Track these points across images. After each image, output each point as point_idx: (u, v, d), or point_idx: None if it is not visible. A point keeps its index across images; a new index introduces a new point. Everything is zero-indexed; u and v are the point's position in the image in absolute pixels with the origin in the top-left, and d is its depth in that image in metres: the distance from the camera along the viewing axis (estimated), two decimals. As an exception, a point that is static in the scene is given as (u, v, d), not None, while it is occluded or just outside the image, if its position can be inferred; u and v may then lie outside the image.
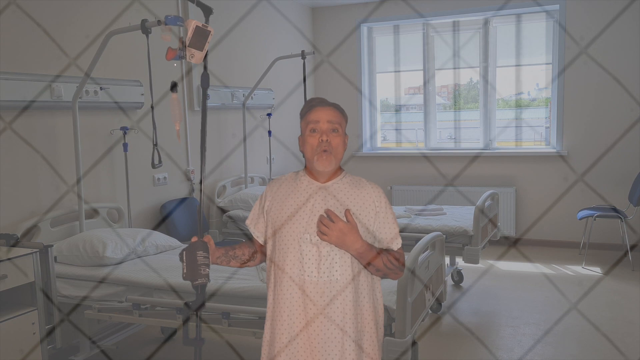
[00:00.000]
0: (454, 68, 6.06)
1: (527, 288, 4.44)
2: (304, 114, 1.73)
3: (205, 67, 1.74)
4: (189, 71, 4.48)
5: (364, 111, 6.42)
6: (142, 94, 3.87)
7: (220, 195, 4.83)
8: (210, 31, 1.72)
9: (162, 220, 4.10)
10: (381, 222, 1.70)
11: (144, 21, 2.96)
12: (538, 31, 5.67)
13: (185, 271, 1.63)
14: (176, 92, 2.19)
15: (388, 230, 1.71)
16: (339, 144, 1.69)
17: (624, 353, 3.20)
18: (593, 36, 5.24)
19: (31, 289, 2.59)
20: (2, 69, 3.00)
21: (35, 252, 2.58)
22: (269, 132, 5.33)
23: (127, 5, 3.67)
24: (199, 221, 1.77)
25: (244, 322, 2.61)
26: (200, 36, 1.70)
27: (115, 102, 3.64)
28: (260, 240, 1.79)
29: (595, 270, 4.85)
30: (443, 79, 6.21)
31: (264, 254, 1.81)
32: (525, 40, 5.72)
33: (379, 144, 6.59)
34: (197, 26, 1.69)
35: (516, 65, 5.77)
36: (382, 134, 6.60)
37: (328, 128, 1.68)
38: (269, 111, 5.36)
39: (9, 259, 2.46)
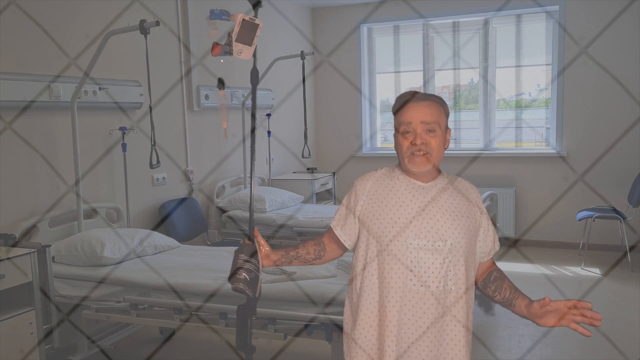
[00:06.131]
0: (454, 69, 6.06)
1: (526, 288, 4.40)
2: (396, 111, 1.56)
3: (254, 62, 1.63)
4: (189, 71, 4.48)
5: (364, 111, 6.42)
6: (141, 94, 3.87)
7: (220, 195, 4.84)
8: (258, 24, 1.61)
9: (162, 221, 4.10)
10: (485, 225, 1.62)
11: (142, 21, 2.96)
12: (538, 32, 5.67)
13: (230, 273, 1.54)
14: (223, 88, 2.11)
15: (491, 232, 1.63)
16: (438, 144, 1.52)
17: (624, 353, 3.20)
18: (593, 36, 5.24)
19: (29, 289, 2.59)
20: (2, 69, 3.00)
21: (33, 252, 2.58)
22: (269, 132, 5.33)
23: (127, 6, 3.67)
24: (250, 222, 1.63)
25: (241, 322, 2.61)
26: (248, 30, 1.59)
27: (115, 102, 3.64)
28: (348, 244, 1.64)
29: (595, 272, 4.85)
30: (444, 79, 6.21)
31: (339, 254, 1.71)
32: (525, 40, 5.71)
33: (379, 144, 6.59)
34: (243, 20, 1.58)
35: (516, 66, 5.77)
36: (382, 135, 6.60)
37: (423, 129, 1.51)
38: (268, 111, 5.36)
39: (7, 258, 2.46)
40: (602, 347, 3.33)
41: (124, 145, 3.69)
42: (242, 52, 1.59)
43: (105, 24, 3.45)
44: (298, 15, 6.16)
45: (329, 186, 5.80)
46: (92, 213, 3.55)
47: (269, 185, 5.43)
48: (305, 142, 5.25)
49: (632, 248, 5.08)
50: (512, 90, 5.88)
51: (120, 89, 3.71)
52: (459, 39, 5.95)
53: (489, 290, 1.68)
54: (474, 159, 5.86)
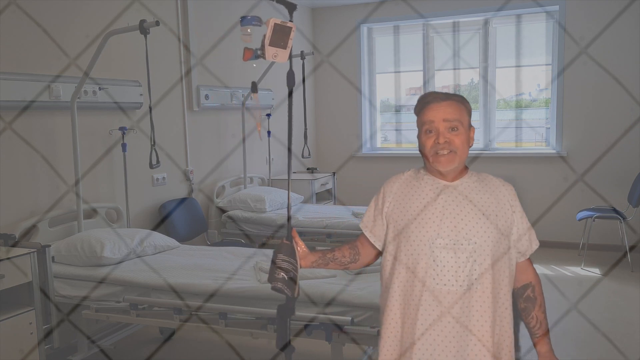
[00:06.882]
0: (454, 69, 6.06)
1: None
2: (418, 112, 1.57)
3: (290, 65, 1.63)
4: (189, 71, 4.48)
5: (364, 111, 6.42)
6: (141, 94, 3.87)
7: (220, 195, 4.84)
8: (291, 27, 1.60)
9: (162, 221, 4.10)
10: (519, 223, 1.61)
11: (142, 21, 2.96)
12: (538, 32, 5.67)
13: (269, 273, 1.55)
14: (256, 91, 2.12)
15: (527, 230, 1.62)
16: (462, 142, 1.52)
17: (624, 353, 3.20)
18: (593, 36, 5.24)
19: (29, 289, 2.59)
20: (2, 69, 3.00)
21: (33, 252, 2.58)
22: (269, 132, 5.33)
23: (127, 6, 3.68)
24: (288, 222, 1.64)
25: (241, 322, 2.61)
26: (281, 34, 1.60)
27: (115, 102, 3.64)
28: (378, 245, 1.64)
29: (595, 272, 4.85)
30: (444, 79, 6.21)
31: (373, 257, 1.71)
32: (525, 40, 5.72)
33: (379, 145, 6.59)
34: (275, 24, 1.59)
35: (516, 66, 5.77)
36: (382, 135, 6.60)
37: (445, 127, 1.51)
38: (268, 112, 5.36)
39: (7, 258, 2.46)
40: (602, 347, 3.33)
41: (123, 145, 3.69)
42: (277, 55, 1.59)
43: (105, 24, 3.45)
44: (298, 15, 6.14)
45: (329, 186, 5.80)
46: (92, 213, 3.55)
47: (269, 185, 5.43)
48: (305, 142, 5.25)
49: (632, 248, 5.08)
50: (512, 90, 5.88)
51: (120, 89, 3.71)
52: (459, 39, 5.95)
53: (519, 304, 1.68)
54: (474, 159, 5.83)
